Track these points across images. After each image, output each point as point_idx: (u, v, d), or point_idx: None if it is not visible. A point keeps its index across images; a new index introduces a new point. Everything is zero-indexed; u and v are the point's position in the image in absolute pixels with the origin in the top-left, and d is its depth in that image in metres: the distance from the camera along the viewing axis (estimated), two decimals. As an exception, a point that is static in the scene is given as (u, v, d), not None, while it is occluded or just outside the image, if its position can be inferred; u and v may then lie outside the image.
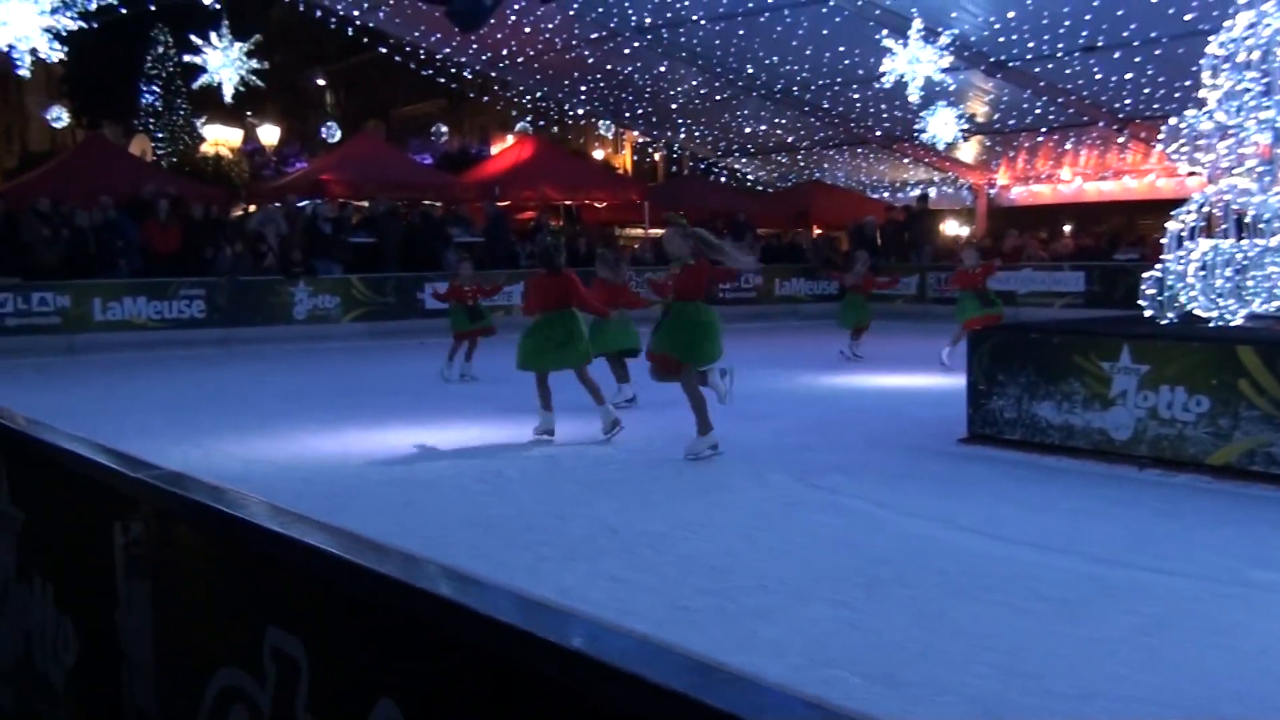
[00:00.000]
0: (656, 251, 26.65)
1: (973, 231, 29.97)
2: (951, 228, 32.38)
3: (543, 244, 10.77)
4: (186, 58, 22.21)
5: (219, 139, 38.84)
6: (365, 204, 25.47)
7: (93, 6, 17.82)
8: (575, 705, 1.44)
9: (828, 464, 8.83)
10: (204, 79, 21.22)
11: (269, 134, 39.27)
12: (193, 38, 21.20)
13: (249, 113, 42.87)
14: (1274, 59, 9.03)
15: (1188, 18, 18.77)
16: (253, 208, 27.20)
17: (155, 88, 42.15)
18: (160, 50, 41.90)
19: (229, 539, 2.22)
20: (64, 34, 16.20)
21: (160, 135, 41.10)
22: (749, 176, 34.57)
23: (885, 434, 10.22)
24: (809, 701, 1.31)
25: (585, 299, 10.37)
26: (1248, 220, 9.24)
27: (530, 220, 27.39)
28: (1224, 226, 9.32)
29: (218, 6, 21.64)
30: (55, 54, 16.16)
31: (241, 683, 2.11)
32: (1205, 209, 9.39)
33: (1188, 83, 16.86)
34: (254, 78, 21.31)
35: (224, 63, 20.94)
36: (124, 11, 20.36)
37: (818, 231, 30.40)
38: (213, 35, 20.95)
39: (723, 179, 33.77)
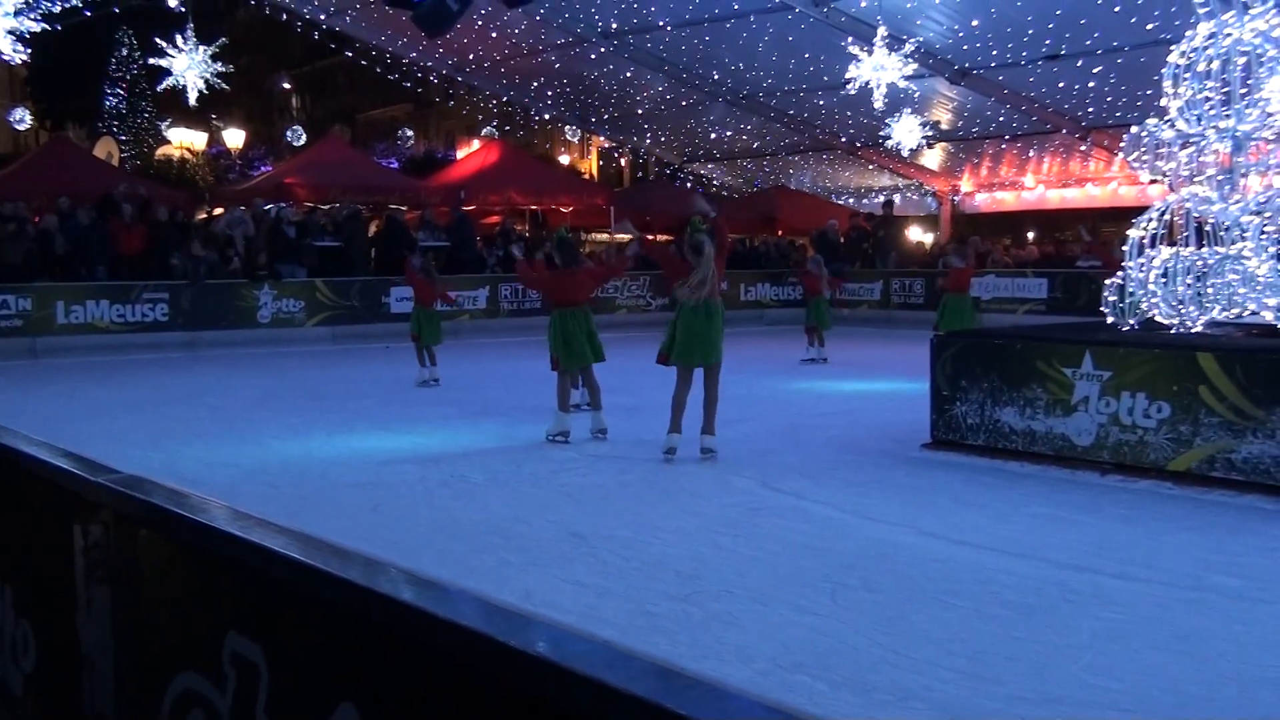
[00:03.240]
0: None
1: (937, 237, 30.17)
2: (916, 234, 32.56)
3: (564, 240, 10.84)
4: (151, 60, 22.06)
5: (183, 142, 38.56)
6: (330, 207, 25.33)
7: (57, 8, 17.70)
8: (538, 710, 1.43)
9: (793, 469, 8.86)
10: (168, 81, 21.07)
11: (234, 137, 39.03)
12: (157, 40, 21.04)
13: (214, 116, 42.62)
14: (1234, 69, 9.12)
15: (1150, 27, 18.94)
16: (217, 211, 27.02)
17: (119, 90, 41.87)
18: (124, 52, 41.64)
19: (189, 543, 2.20)
20: (27, 35, 16.06)
21: (124, 138, 40.80)
22: (715, 181, 34.63)
23: (850, 439, 10.26)
24: (772, 706, 1.31)
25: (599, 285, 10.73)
26: (1208, 228, 9.33)
27: (496, 225, 27.32)
28: (1185, 234, 9.40)
29: (183, 9, 21.52)
30: (18, 55, 16.02)
31: (201, 687, 2.09)
32: (1166, 217, 9.47)
33: (1149, 91, 17.02)
34: (219, 81, 21.17)
35: (189, 65, 20.79)
36: (88, 14, 20.23)
37: (780, 235, 30.51)
38: (178, 38, 20.80)
39: (689, 184, 33.81)
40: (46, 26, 16.74)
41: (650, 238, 26.90)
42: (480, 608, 1.68)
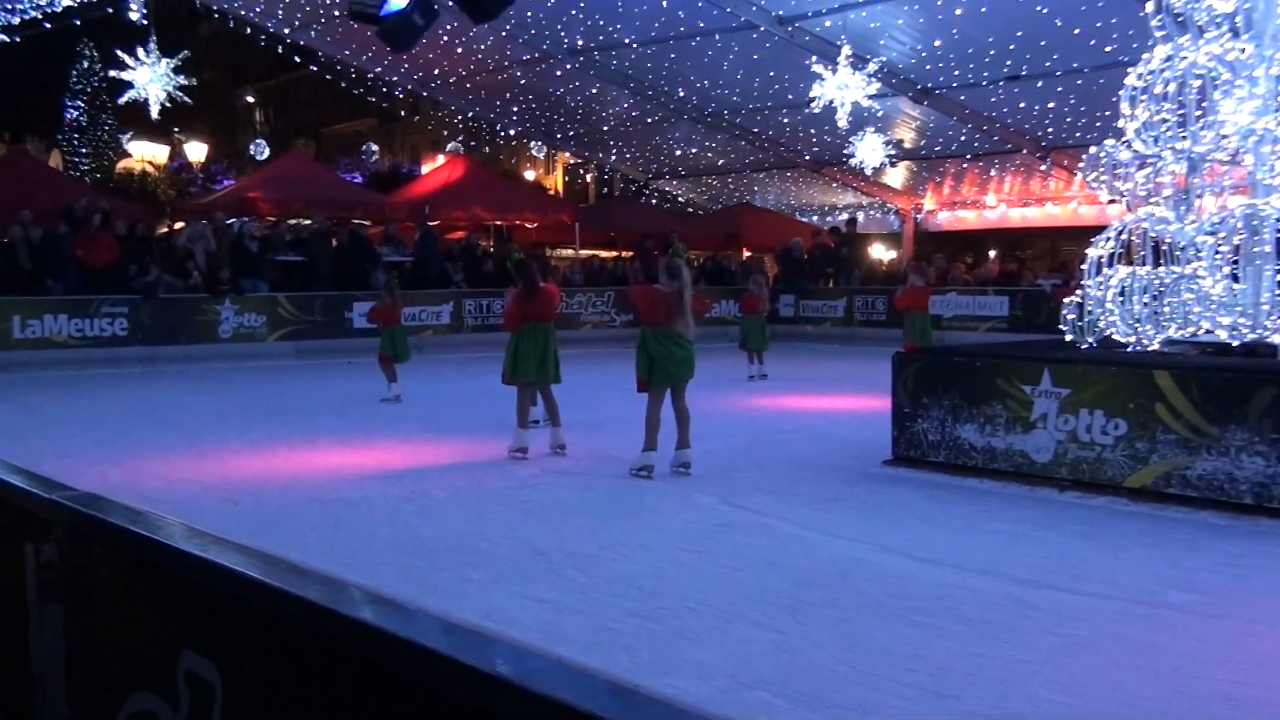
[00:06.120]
0: (586, 273, 26.74)
1: (901, 254, 30.38)
2: (879, 251, 32.77)
3: (520, 262, 10.88)
4: (112, 73, 21.91)
5: (145, 155, 38.27)
6: (297, 222, 25.23)
7: (16, 20, 17.57)
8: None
9: (755, 486, 8.88)
10: (130, 94, 20.95)
11: (196, 151, 38.79)
12: (119, 53, 20.92)
13: (176, 129, 42.35)
14: (1189, 91, 9.25)
15: (1108, 49, 19.20)
16: (179, 225, 26.85)
17: (80, 103, 41.53)
18: (85, 65, 41.31)
19: (144, 561, 2.19)
20: (-14, 47, 15.95)
21: (84, 150, 40.46)
22: (680, 198, 34.74)
23: (812, 456, 10.30)
24: (726, 724, 1.32)
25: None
26: (1164, 248, 9.44)
27: (461, 240, 27.30)
28: (1142, 254, 9.51)
29: (145, 22, 21.42)
30: (-24, 67, 15.90)
31: (154, 707, 2.08)
32: (1124, 236, 9.58)
33: (1108, 113, 17.25)
34: (181, 94, 21.07)
35: (151, 78, 20.69)
36: (48, 26, 20.09)
37: (747, 253, 30.65)
38: (140, 50, 20.69)
39: (654, 200, 33.90)
40: (5, 38, 16.62)
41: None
42: (440, 627, 1.68)
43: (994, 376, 9.02)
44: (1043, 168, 25.80)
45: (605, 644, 5.12)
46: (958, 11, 19.62)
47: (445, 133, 37.49)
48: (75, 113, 41.55)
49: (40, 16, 18.88)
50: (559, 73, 26.21)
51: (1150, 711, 4.42)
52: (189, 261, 21.86)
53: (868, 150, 23.44)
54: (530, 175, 45.28)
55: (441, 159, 36.42)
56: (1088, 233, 11.28)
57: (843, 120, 20.56)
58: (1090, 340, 9.59)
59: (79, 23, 23.14)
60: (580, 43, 24.53)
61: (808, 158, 28.98)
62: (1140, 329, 9.27)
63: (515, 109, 29.85)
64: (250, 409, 13.97)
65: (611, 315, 25.50)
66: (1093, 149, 9.96)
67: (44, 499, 2.51)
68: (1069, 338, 9.80)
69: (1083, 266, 9.98)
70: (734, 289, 26.87)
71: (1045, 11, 18.91)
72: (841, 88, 20.08)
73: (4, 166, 26.81)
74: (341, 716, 1.71)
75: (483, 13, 15.00)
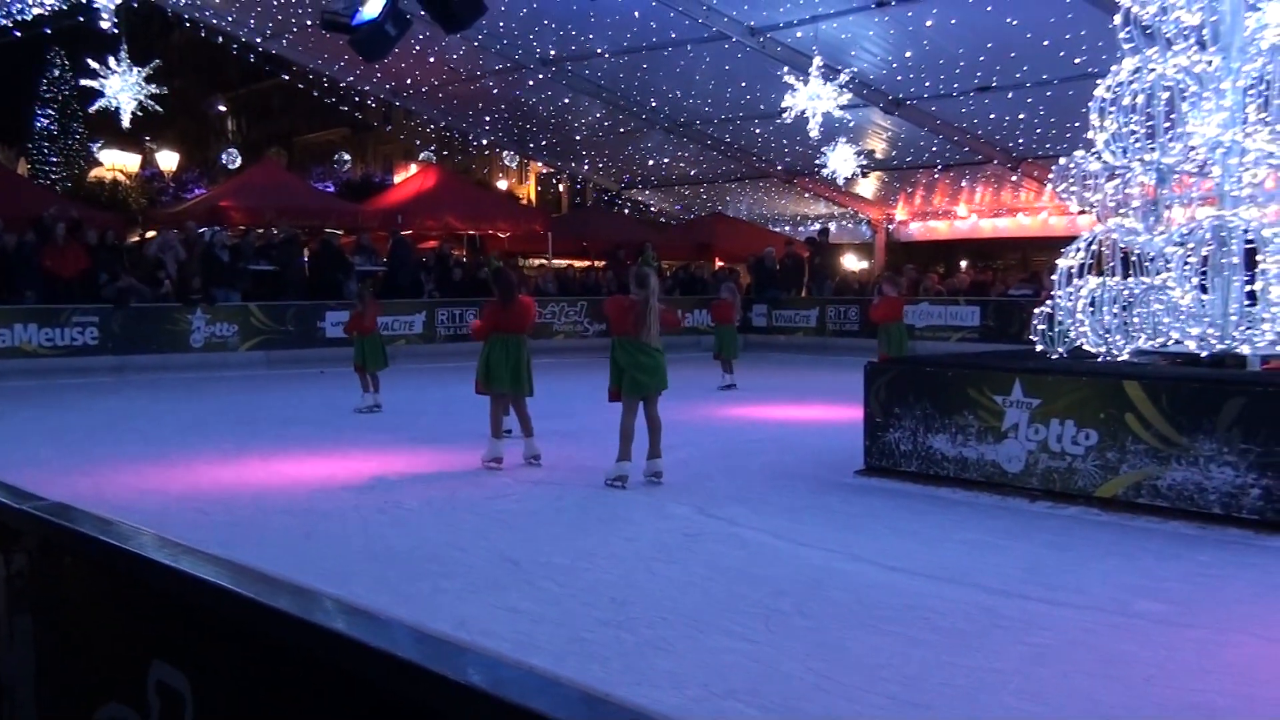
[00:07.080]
0: (559, 282, 26.74)
1: (873, 265, 30.52)
2: (851, 262, 32.89)
3: (498, 270, 10.90)
4: (83, 81, 21.78)
5: (116, 164, 38.06)
6: (269, 231, 25.12)
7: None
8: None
9: (728, 495, 8.89)
10: (101, 103, 20.83)
11: (168, 159, 38.62)
12: (90, 61, 20.79)
13: (147, 138, 42.14)
14: (1157, 103, 9.33)
15: (1077, 61, 19.35)
16: (150, 234, 26.71)
17: (50, 111, 41.27)
18: (56, 73, 41.07)
19: (115, 571, 2.18)
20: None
21: (55, 159, 40.21)
22: (652, 208, 34.79)
23: (785, 465, 10.32)
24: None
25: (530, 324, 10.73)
26: (1134, 258, 9.51)
27: (433, 250, 27.27)
28: (1112, 264, 9.58)
29: (116, 30, 21.30)
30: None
31: (125, 717, 2.07)
32: (1094, 247, 9.64)
33: (1077, 124, 17.38)
34: (153, 103, 20.96)
35: (122, 87, 20.57)
36: (18, 34, 19.96)
37: (719, 263, 30.71)
38: (111, 59, 20.58)
39: (626, 210, 33.94)
40: (-25, 46, 16.52)
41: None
42: (413, 636, 1.68)
43: (965, 386, 9.06)
44: (1013, 178, 25.97)
45: (578, 653, 5.12)
46: (928, 23, 19.74)
47: (418, 142, 37.47)
48: (46, 121, 41.30)
49: (10, 24, 18.77)
50: (531, 82, 26.22)
51: None
52: (160, 270, 21.73)
53: (839, 160, 23.54)
54: (503, 185, 45.25)
55: (414, 168, 36.39)
56: (1058, 243, 11.35)
57: (814, 131, 20.65)
58: (1061, 350, 9.65)
59: (49, 31, 23.01)
60: (552, 53, 24.55)
61: (780, 168, 29.08)
62: (1110, 339, 9.34)
63: (488, 119, 29.84)
64: (222, 419, 13.90)
65: (584, 325, 25.50)
66: (1062, 160, 10.03)
67: (14, 509, 2.50)
68: (1040, 348, 9.85)
69: (1053, 277, 10.04)
70: (706, 299, 26.93)
71: (1015, 23, 19.04)
72: (813, 98, 20.18)
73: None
74: (313, 726, 1.71)
75: (455, 22, 15.03)
